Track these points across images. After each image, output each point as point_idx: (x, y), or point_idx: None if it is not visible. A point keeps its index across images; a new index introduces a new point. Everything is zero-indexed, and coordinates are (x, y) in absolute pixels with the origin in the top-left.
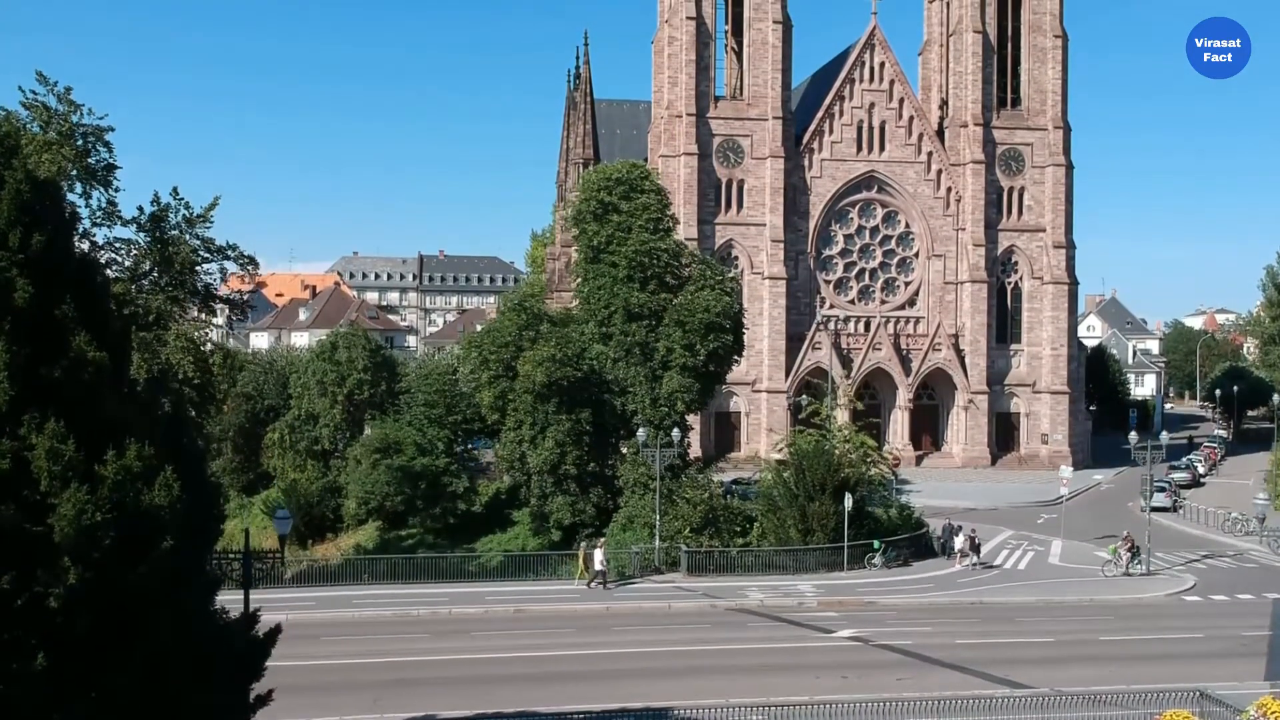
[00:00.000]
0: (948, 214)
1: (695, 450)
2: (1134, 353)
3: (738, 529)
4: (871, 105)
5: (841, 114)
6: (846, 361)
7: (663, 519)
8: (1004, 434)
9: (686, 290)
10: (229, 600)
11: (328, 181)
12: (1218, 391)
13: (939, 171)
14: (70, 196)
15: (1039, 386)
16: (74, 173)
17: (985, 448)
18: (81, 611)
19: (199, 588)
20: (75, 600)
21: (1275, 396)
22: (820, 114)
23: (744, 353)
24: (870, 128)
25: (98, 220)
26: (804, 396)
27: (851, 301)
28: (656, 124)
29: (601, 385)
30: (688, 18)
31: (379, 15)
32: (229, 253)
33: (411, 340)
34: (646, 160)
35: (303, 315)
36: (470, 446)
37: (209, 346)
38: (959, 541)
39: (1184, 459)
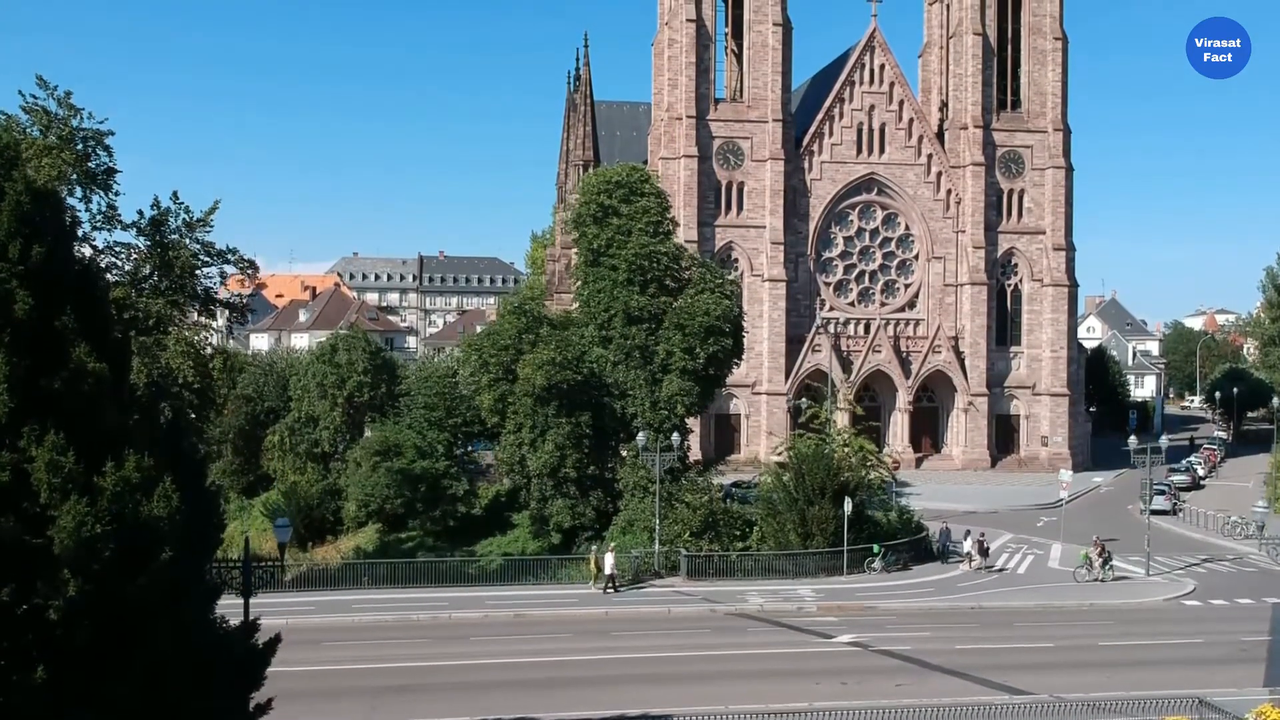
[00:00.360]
0: (948, 216)
1: (695, 452)
2: (1134, 354)
3: (737, 533)
4: (871, 107)
5: (841, 116)
6: (846, 364)
7: (662, 523)
8: (1004, 436)
9: (686, 293)
10: (229, 606)
11: (328, 181)
12: (1217, 394)
13: (939, 174)
14: (70, 200)
15: (1039, 389)
16: (74, 177)
17: (985, 450)
18: (81, 623)
19: (198, 597)
20: (75, 612)
21: (1275, 400)
22: (820, 116)
23: (744, 355)
24: (870, 130)
25: (98, 224)
26: (804, 399)
27: (851, 304)
28: (656, 126)
29: (601, 388)
30: (688, 20)
31: (379, 15)
32: (229, 257)
33: (411, 341)
34: (646, 162)
35: (303, 316)
36: (470, 449)
37: (209, 351)
38: (967, 545)
39: (1183, 461)
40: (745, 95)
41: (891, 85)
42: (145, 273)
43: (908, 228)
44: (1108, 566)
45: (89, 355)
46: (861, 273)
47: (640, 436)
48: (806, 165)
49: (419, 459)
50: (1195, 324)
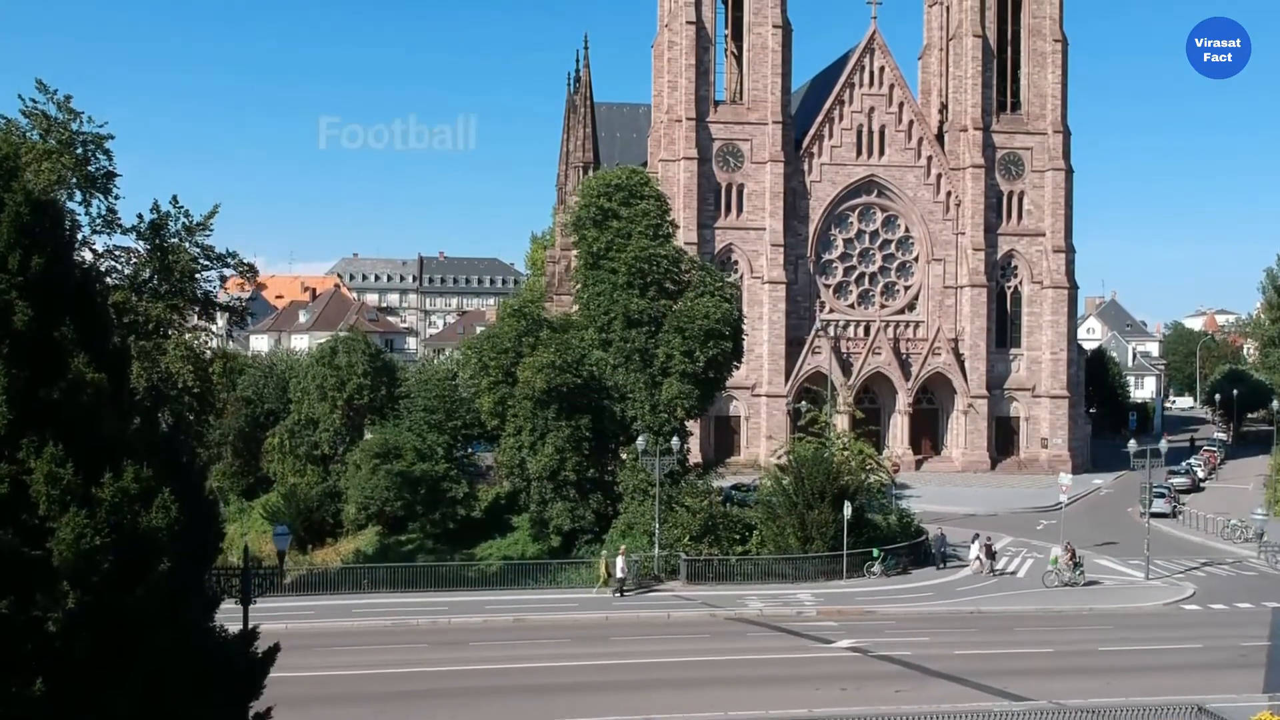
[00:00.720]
0: (947, 218)
1: (695, 454)
2: (1134, 355)
3: (737, 537)
4: (871, 109)
5: (841, 118)
6: (846, 366)
7: (662, 526)
8: (1003, 438)
9: (686, 296)
10: (228, 612)
11: (328, 182)
12: (1217, 395)
13: (939, 176)
14: (70, 204)
15: (1038, 390)
16: (74, 180)
17: (985, 452)
18: (81, 634)
19: (197, 606)
20: (74, 623)
21: (1275, 401)
22: (820, 118)
23: (744, 357)
24: (870, 132)
25: (97, 228)
26: (804, 401)
27: (851, 306)
28: (656, 128)
29: (601, 391)
30: (688, 22)
31: (379, 15)
32: (228, 260)
33: (411, 342)
34: (646, 164)
35: (303, 317)
36: (470, 452)
37: (209, 355)
38: (974, 549)
39: (1183, 463)
40: (745, 97)
41: (891, 87)
42: (145, 276)
43: (907, 230)
44: (1078, 570)
45: (88, 365)
46: (861, 275)
47: (640, 439)
48: (806, 167)
49: (419, 461)
50: (1195, 324)
